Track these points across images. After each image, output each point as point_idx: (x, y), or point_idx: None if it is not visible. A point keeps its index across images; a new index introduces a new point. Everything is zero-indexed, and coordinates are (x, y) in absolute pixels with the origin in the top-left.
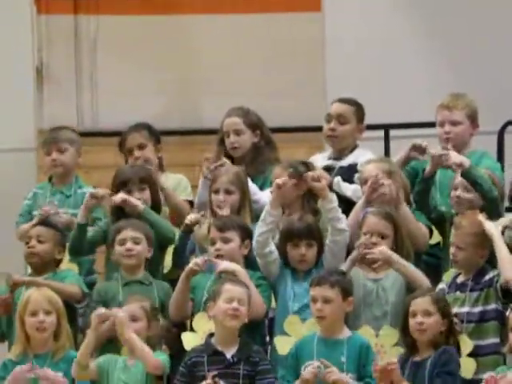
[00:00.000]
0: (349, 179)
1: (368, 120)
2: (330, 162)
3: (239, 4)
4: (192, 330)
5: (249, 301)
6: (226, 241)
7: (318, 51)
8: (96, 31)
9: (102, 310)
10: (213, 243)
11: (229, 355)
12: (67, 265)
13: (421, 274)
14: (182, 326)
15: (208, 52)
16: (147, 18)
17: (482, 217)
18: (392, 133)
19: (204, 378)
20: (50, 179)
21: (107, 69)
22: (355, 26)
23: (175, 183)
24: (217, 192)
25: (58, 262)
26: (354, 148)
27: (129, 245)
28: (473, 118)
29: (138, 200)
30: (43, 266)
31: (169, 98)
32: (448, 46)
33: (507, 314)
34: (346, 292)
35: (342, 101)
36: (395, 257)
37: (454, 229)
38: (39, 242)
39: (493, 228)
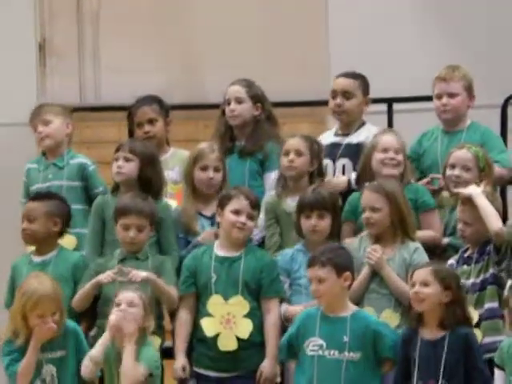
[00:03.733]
0: (358, 157)
1: (371, 94)
2: (336, 139)
3: None
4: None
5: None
6: (252, 217)
7: (322, 25)
8: (98, 6)
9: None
10: (237, 213)
11: None
12: (66, 239)
13: (404, 286)
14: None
15: (211, 26)
16: None
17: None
18: (395, 106)
19: None
20: (43, 153)
21: (110, 44)
22: (358, 2)
23: (182, 161)
24: (205, 169)
25: (59, 233)
26: (361, 124)
27: (132, 233)
28: (469, 90)
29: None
30: (42, 244)
31: (172, 72)
32: (452, 20)
33: (505, 292)
34: (341, 268)
35: (346, 75)
36: (385, 264)
37: (460, 204)
38: (29, 221)
39: (471, 189)
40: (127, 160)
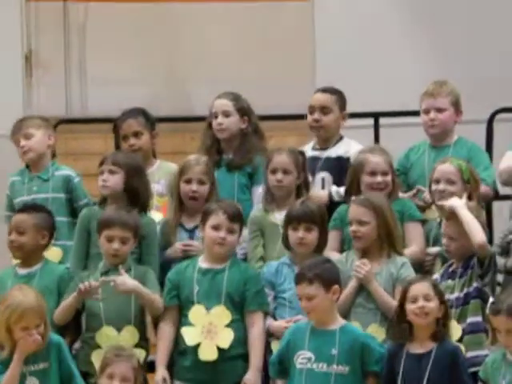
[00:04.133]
0: (337, 171)
1: (358, 108)
2: (315, 153)
3: None
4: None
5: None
6: (232, 231)
7: (308, 39)
8: (85, 18)
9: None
10: (216, 229)
11: None
12: (52, 252)
13: (391, 301)
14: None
15: (197, 40)
16: (136, 5)
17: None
18: (382, 121)
19: None
20: (27, 166)
21: (96, 56)
22: (344, 15)
23: (168, 174)
24: (189, 182)
25: (45, 246)
26: (339, 139)
27: (116, 245)
28: (457, 105)
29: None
30: (28, 256)
31: (158, 84)
32: (437, 35)
33: (486, 310)
34: (328, 283)
35: (323, 90)
36: (372, 278)
37: (444, 219)
38: (19, 233)
39: (453, 200)
40: (112, 172)
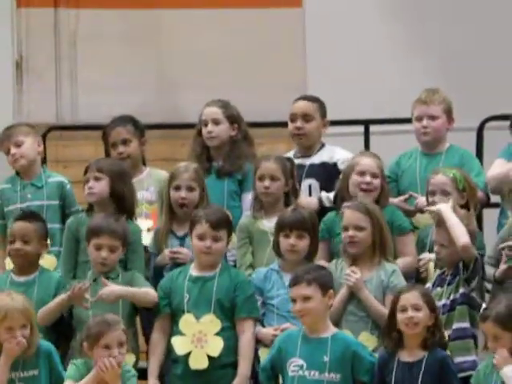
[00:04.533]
0: (324, 177)
1: (348, 115)
2: (298, 161)
3: None
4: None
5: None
6: (217, 239)
7: (299, 47)
8: (76, 25)
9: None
10: (201, 238)
11: None
12: (46, 259)
13: (382, 308)
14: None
15: (188, 46)
16: (127, 11)
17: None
18: (372, 128)
19: None
20: (17, 173)
21: (87, 62)
22: (335, 22)
23: (157, 181)
24: (178, 189)
25: (41, 254)
26: (321, 146)
27: (104, 253)
28: (449, 113)
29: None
30: (29, 264)
31: (148, 91)
32: (427, 43)
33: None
34: (325, 286)
35: (304, 98)
36: (363, 285)
37: (435, 226)
38: (24, 242)
39: (440, 205)
40: (97, 179)
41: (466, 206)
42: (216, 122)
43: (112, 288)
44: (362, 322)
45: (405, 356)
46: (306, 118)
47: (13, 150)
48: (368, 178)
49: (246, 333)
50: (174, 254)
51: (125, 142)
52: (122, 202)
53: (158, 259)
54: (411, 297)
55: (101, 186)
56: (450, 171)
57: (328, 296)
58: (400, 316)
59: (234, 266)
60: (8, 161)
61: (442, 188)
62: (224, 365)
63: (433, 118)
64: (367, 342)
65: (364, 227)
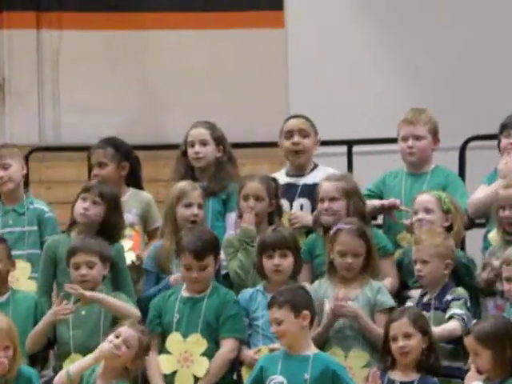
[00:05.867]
0: (314, 197)
1: (331, 136)
2: (291, 180)
3: (202, 20)
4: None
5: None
6: (204, 268)
7: (281, 67)
8: (58, 46)
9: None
10: (188, 269)
11: None
12: (27, 282)
13: (380, 332)
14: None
15: (171, 67)
16: (110, 33)
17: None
18: (355, 149)
19: None
20: None
21: (70, 84)
22: (318, 43)
23: (140, 203)
24: (189, 206)
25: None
26: (314, 166)
27: (83, 270)
28: (435, 133)
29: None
30: (1, 285)
31: (132, 112)
32: (410, 63)
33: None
34: (298, 308)
35: (299, 116)
36: (361, 313)
37: (414, 245)
38: None
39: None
40: (95, 203)
41: (449, 229)
42: (203, 143)
43: (93, 292)
44: (353, 338)
45: (397, 375)
46: (303, 133)
47: (0, 173)
48: (326, 204)
49: (222, 350)
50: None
51: (100, 165)
52: (109, 231)
53: (173, 278)
54: (401, 325)
55: (96, 211)
56: (436, 192)
57: (302, 317)
58: (392, 345)
59: (226, 275)
60: None
61: (425, 205)
62: None
63: (418, 138)
64: (359, 358)
65: (360, 253)
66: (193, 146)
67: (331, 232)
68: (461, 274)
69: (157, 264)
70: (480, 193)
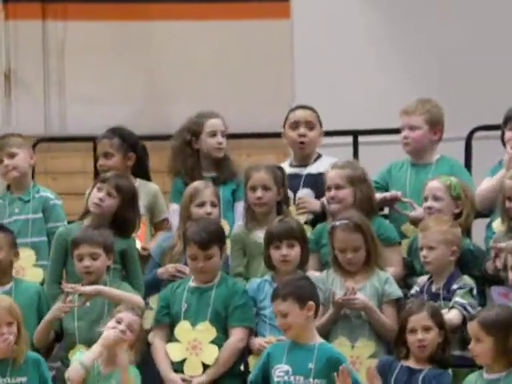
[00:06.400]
0: (320, 187)
1: (337, 126)
2: (294, 170)
3: (208, 11)
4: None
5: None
6: (210, 257)
7: (287, 58)
8: (64, 37)
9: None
10: (193, 259)
11: None
12: (32, 270)
13: (390, 324)
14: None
15: (176, 58)
16: (115, 23)
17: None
18: (361, 139)
19: None
20: (8, 187)
21: (75, 74)
22: (324, 33)
23: (147, 195)
24: (202, 205)
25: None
26: (318, 156)
27: (86, 262)
28: (433, 124)
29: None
30: (2, 274)
31: (137, 103)
32: (417, 54)
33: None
34: (303, 299)
35: (305, 107)
36: (370, 304)
37: (420, 231)
38: None
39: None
40: (110, 195)
41: (459, 216)
42: (223, 134)
43: (92, 287)
44: (359, 327)
45: (410, 362)
46: (310, 125)
47: (6, 161)
48: (332, 192)
49: (231, 339)
50: (178, 272)
51: (106, 155)
52: (121, 225)
53: (160, 271)
54: (420, 318)
55: (110, 203)
56: (448, 178)
57: (307, 308)
58: (410, 337)
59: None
60: (0, 172)
61: (434, 193)
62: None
63: (413, 128)
64: (365, 348)
65: (360, 246)
66: (214, 135)
67: (329, 228)
68: (467, 261)
69: (162, 257)
70: (484, 186)
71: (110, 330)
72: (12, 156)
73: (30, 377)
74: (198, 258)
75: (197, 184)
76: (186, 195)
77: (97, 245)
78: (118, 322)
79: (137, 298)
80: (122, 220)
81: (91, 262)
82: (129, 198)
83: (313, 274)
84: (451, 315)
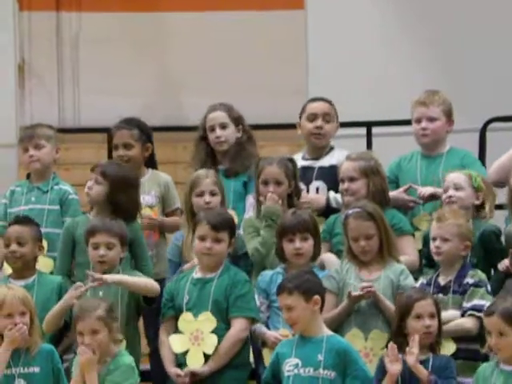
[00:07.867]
0: (332, 180)
1: (351, 117)
2: (307, 163)
3: (221, 2)
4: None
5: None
6: (219, 241)
7: (300, 49)
8: (78, 28)
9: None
10: (202, 239)
11: None
12: (42, 261)
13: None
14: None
15: (190, 49)
16: (129, 15)
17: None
18: (374, 130)
19: None
20: (28, 176)
21: (89, 66)
22: (338, 24)
23: (159, 186)
24: (201, 195)
25: (36, 258)
26: (330, 149)
27: (102, 251)
28: (449, 115)
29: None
30: (27, 268)
31: (151, 94)
32: (431, 44)
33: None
34: (308, 293)
35: (322, 99)
36: (381, 297)
37: (436, 221)
38: (19, 244)
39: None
40: (97, 182)
41: (481, 207)
42: (223, 126)
43: (113, 276)
44: (373, 320)
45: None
46: (327, 118)
47: (31, 152)
48: (346, 184)
49: (232, 329)
50: None
51: (126, 146)
52: (118, 210)
53: (186, 267)
54: (426, 305)
55: (97, 190)
56: (467, 171)
57: (313, 302)
58: (415, 323)
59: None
60: (23, 159)
61: (455, 182)
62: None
63: (432, 119)
64: (378, 340)
65: (373, 234)
66: (213, 130)
67: (342, 218)
68: (490, 241)
69: (180, 254)
70: (502, 157)
71: (80, 356)
72: (39, 148)
73: (42, 368)
74: (207, 239)
75: (197, 173)
76: (187, 185)
77: (113, 235)
78: (81, 334)
79: (152, 283)
80: (117, 206)
81: (106, 251)
82: (118, 183)
83: (329, 257)
84: (469, 325)
